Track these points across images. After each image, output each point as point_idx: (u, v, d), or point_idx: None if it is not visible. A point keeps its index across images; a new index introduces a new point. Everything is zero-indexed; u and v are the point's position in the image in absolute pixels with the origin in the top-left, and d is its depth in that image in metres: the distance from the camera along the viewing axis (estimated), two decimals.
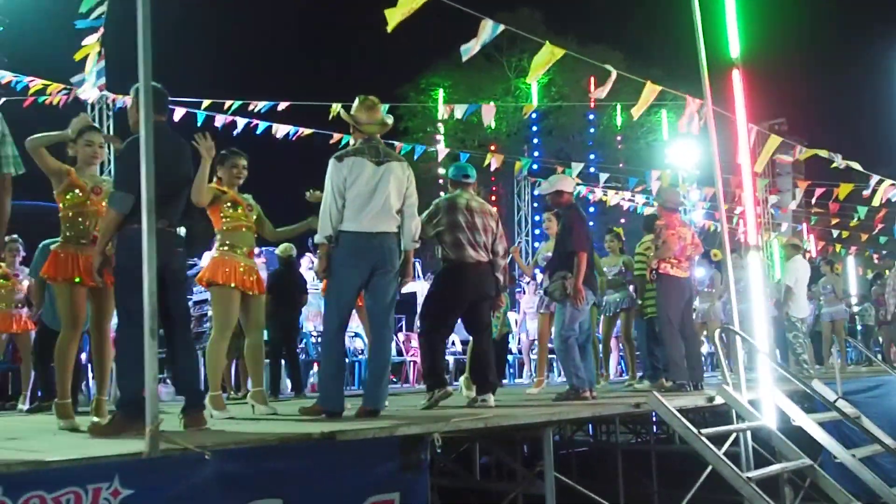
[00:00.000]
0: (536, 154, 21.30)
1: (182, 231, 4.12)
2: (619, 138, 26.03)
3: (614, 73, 5.52)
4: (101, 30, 5.54)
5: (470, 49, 5.24)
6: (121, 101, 11.28)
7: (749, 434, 5.00)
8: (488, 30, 5.10)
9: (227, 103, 10.19)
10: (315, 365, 10.15)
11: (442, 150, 17.00)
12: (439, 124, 24.12)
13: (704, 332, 9.75)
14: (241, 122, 10.90)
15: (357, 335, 10.55)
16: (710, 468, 4.80)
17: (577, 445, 9.12)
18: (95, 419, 4.32)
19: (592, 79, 23.57)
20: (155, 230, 3.83)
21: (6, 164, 3.44)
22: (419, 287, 11.97)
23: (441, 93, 24.52)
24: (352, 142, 4.75)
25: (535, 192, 21.34)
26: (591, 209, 22.03)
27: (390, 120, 4.83)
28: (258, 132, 11.05)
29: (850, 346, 12.51)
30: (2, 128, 3.41)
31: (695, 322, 7.03)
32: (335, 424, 3.59)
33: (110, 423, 3.71)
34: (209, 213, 5.02)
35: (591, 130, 25.43)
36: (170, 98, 4.32)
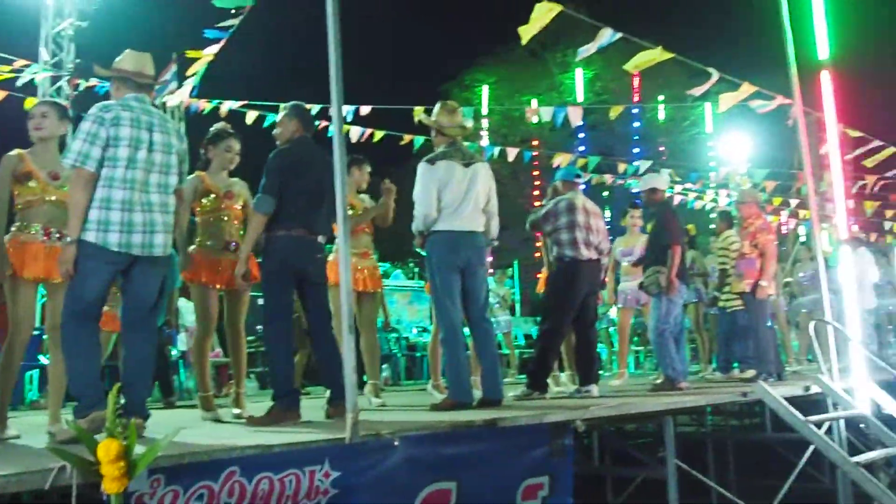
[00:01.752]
0: (582, 149, 21.32)
1: (322, 239, 4.38)
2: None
3: (716, 76, 5.72)
4: (223, 42, 5.83)
5: (585, 51, 5.48)
6: (195, 107, 11.62)
7: (843, 422, 5.18)
8: (606, 36, 5.34)
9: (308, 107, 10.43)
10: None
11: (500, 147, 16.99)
12: (483, 121, 24.25)
13: None
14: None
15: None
16: (804, 459, 5.02)
17: (644, 436, 9.32)
18: (236, 411, 4.64)
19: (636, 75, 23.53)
20: (302, 238, 4.20)
21: (183, 180, 3.71)
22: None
23: (486, 89, 24.65)
24: (435, 145, 4.89)
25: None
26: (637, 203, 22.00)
27: (470, 123, 5.07)
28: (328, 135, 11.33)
29: None
30: (186, 145, 3.69)
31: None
32: (492, 412, 3.86)
33: (268, 415, 4.00)
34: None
35: (636, 125, 25.39)
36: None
